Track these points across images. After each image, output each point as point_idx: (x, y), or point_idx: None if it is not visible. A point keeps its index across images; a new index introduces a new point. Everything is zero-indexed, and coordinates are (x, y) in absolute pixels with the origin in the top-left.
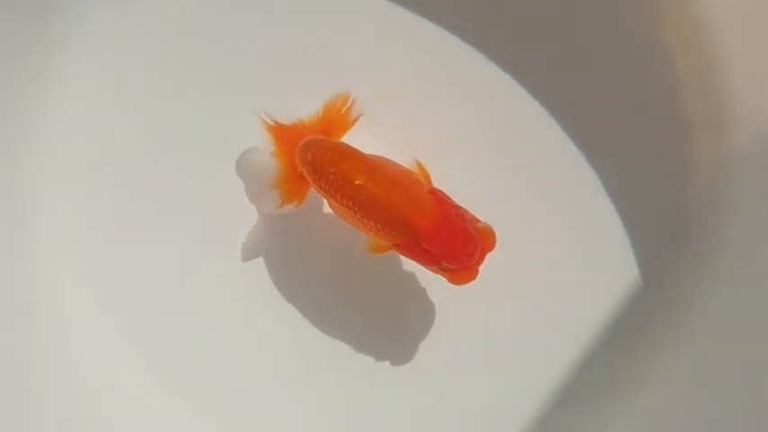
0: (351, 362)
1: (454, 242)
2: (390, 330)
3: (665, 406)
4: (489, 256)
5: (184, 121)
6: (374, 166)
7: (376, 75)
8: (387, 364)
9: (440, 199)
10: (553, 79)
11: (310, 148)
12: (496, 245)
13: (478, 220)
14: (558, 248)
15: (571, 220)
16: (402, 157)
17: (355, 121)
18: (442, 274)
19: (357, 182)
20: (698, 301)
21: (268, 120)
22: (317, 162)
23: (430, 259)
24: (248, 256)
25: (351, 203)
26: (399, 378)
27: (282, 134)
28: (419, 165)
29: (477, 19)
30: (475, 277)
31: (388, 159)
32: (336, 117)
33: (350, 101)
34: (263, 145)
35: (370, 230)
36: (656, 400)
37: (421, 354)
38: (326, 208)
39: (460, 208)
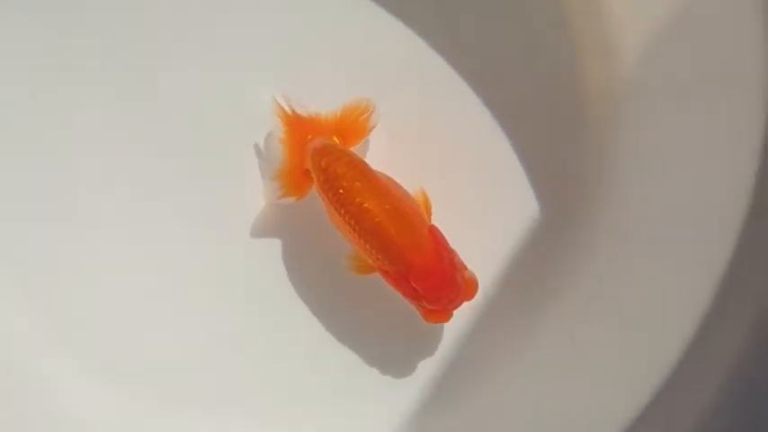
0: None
1: (441, 286)
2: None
3: (564, 345)
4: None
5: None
6: (384, 192)
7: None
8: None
9: (436, 239)
10: (443, 15)
11: (326, 155)
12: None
13: (465, 268)
14: (458, 188)
15: (470, 159)
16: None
17: (371, 130)
18: (417, 308)
19: (365, 205)
20: (597, 233)
21: (285, 106)
22: (330, 172)
23: (412, 294)
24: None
25: (353, 222)
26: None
27: (295, 125)
28: (423, 194)
29: None
30: (448, 320)
31: (396, 183)
32: (354, 123)
33: (371, 110)
34: (275, 130)
35: (362, 251)
36: (557, 338)
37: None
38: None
39: (452, 251)
